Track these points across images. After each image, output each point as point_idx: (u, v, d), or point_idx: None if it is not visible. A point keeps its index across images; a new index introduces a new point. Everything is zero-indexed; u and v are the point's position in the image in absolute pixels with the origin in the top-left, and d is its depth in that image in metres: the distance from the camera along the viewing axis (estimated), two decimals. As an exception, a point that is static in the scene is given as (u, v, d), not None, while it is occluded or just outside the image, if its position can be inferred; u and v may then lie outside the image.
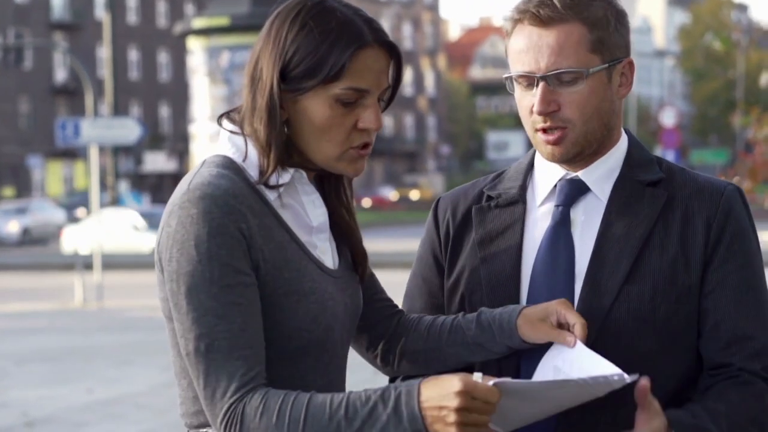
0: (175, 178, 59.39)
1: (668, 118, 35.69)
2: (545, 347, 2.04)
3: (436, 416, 1.76)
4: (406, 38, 73.93)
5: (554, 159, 2.13)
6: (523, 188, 2.21)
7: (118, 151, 39.26)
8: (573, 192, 2.16)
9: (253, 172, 1.96)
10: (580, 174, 2.16)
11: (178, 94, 59.29)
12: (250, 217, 1.90)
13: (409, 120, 76.13)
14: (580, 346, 1.97)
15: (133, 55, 62.59)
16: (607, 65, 2.09)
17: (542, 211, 2.18)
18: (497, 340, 2.07)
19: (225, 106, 19.58)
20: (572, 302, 2.07)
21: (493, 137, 70.92)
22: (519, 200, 2.20)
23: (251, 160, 1.97)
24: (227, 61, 19.59)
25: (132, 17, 62.41)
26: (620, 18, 2.12)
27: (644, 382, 1.88)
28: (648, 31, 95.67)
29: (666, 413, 1.93)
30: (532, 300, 2.11)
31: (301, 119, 1.95)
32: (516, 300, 2.13)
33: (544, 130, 2.10)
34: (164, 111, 64.29)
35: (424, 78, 77.20)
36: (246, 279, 1.88)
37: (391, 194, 57.66)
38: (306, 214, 2.00)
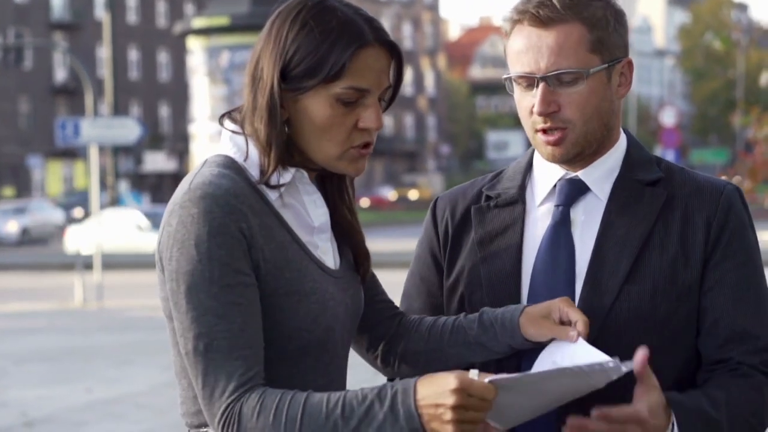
0: (175, 178, 59.42)
1: (668, 118, 35.72)
2: (546, 348, 2.04)
3: (433, 414, 1.76)
4: (406, 38, 73.95)
5: (554, 159, 2.13)
6: (522, 188, 2.21)
7: (118, 150, 39.26)
8: (573, 192, 2.16)
9: (254, 172, 1.96)
10: (580, 174, 2.16)
11: (178, 93, 59.30)
12: (250, 216, 1.90)
13: (409, 120, 76.15)
14: (581, 342, 1.97)
15: (133, 54, 62.59)
16: (606, 65, 2.09)
17: (542, 211, 2.18)
18: (499, 339, 2.07)
19: (225, 106, 19.59)
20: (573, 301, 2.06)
21: (493, 137, 70.95)
22: (518, 200, 2.20)
23: (252, 159, 1.96)
24: (227, 61, 19.60)
25: (132, 17, 62.42)
26: (619, 18, 2.12)
27: (643, 352, 1.88)
28: (648, 30, 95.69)
29: (665, 394, 1.93)
30: (533, 299, 2.11)
31: (302, 119, 1.95)
32: (516, 299, 2.13)
33: (544, 131, 2.10)
34: (164, 111, 64.30)
35: (424, 78, 77.22)
36: (246, 279, 1.88)
37: (390, 194, 57.66)
38: (307, 214, 2.00)
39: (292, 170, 1.98)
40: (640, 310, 2.05)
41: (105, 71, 34.16)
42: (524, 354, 2.07)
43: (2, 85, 55.98)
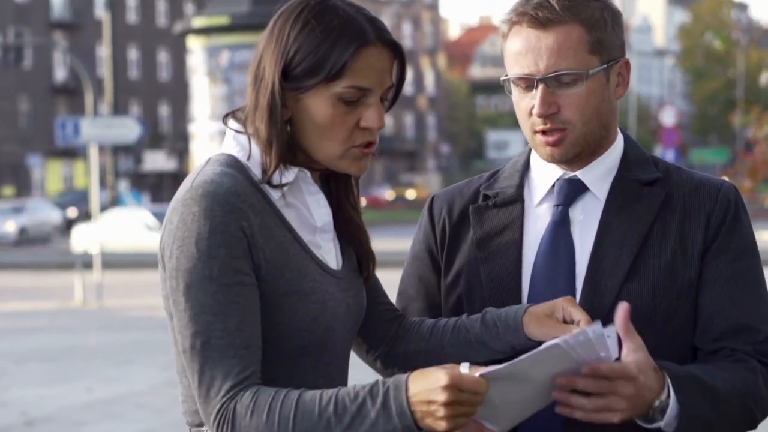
0: (175, 177, 59.42)
1: (668, 118, 35.70)
2: None
3: (426, 411, 1.76)
4: (406, 37, 73.93)
5: (553, 160, 2.14)
6: (521, 187, 2.22)
7: (118, 150, 39.25)
8: (572, 192, 2.16)
9: (257, 171, 1.96)
10: (579, 174, 2.16)
11: (178, 93, 59.30)
12: (251, 215, 1.90)
13: (408, 119, 76.16)
14: None
15: (133, 54, 62.58)
16: (605, 66, 2.10)
17: (540, 211, 2.19)
18: (502, 338, 2.07)
19: (225, 106, 19.61)
20: (574, 301, 2.07)
21: (492, 136, 70.93)
22: (517, 199, 2.20)
23: (255, 158, 1.97)
24: (227, 60, 19.60)
25: (132, 16, 62.41)
26: (616, 18, 2.13)
27: (623, 308, 1.89)
28: (648, 30, 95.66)
29: (656, 361, 1.92)
30: (533, 298, 2.12)
31: (304, 118, 1.95)
32: (517, 298, 2.13)
33: (544, 132, 2.10)
34: (164, 110, 64.29)
35: (424, 77, 77.21)
36: (245, 278, 1.88)
37: (387, 193, 57.60)
38: (310, 213, 2.00)
39: (295, 170, 1.98)
40: (640, 309, 2.05)
41: (105, 70, 34.15)
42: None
43: (2, 85, 55.98)
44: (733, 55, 64.40)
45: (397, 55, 1.98)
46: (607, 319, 2.04)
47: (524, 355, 1.82)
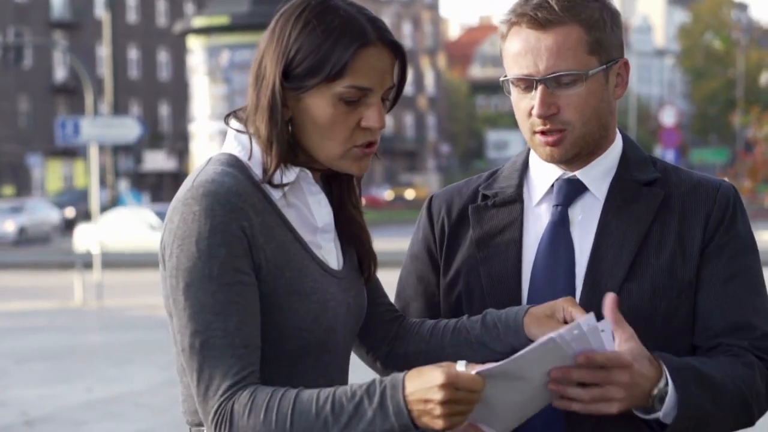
0: (175, 177, 59.43)
1: (668, 117, 35.72)
2: None
3: (422, 410, 1.76)
4: (406, 37, 73.92)
5: (552, 160, 2.14)
6: (520, 187, 2.22)
7: (118, 149, 39.26)
8: (571, 192, 2.17)
9: (258, 171, 1.96)
10: (578, 173, 2.16)
11: (178, 93, 59.30)
12: (252, 215, 1.90)
13: (408, 119, 76.16)
14: None
15: (133, 53, 62.58)
16: (604, 66, 2.10)
17: (539, 210, 2.19)
18: (502, 339, 2.07)
19: (225, 105, 19.61)
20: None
21: (492, 136, 70.96)
22: (516, 199, 2.21)
23: (256, 158, 1.97)
24: (227, 60, 19.60)
25: (132, 16, 62.41)
26: (615, 18, 2.13)
27: (611, 295, 1.89)
28: (648, 30, 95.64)
29: (651, 352, 1.92)
30: (533, 298, 2.12)
31: (305, 117, 1.95)
32: (517, 297, 2.14)
33: (543, 132, 2.10)
34: (164, 110, 64.29)
35: (424, 77, 77.21)
36: (245, 278, 1.88)
37: (386, 193, 57.58)
38: (311, 213, 2.00)
39: (296, 169, 1.98)
40: (640, 308, 2.06)
41: (105, 70, 34.16)
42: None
43: (2, 84, 55.98)
44: (733, 55, 64.42)
45: (399, 55, 1.98)
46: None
47: (520, 352, 1.82)
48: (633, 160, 2.18)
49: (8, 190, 54.27)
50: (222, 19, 20.12)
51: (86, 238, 25.91)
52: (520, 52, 2.08)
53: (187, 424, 2.00)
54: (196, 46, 20.48)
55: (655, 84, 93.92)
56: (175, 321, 1.90)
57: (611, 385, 1.85)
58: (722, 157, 48.94)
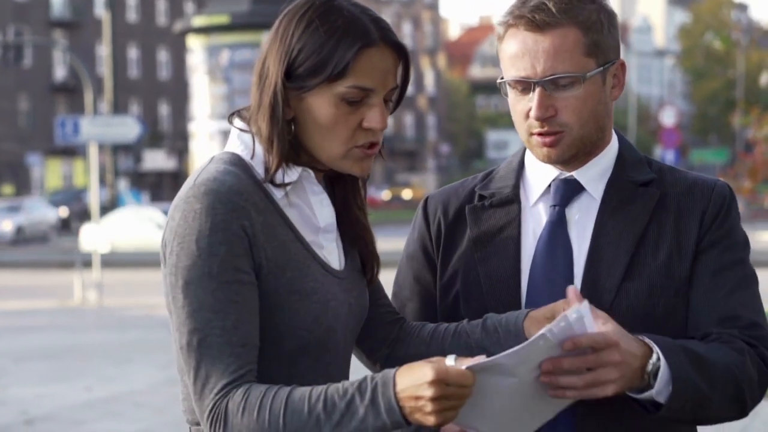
0: (175, 176, 59.43)
1: (668, 118, 35.72)
2: None
3: (414, 407, 1.76)
4: (406, 37, 73.90)
5: (549, 161, 2.15)
6: (516, 187, 2.22)
7: (118, 149, 39.25)
8: (568, 192, 2.17)
9: (260, 170, 1.96)
10: (575, 174, 2.17)
11: (178, 92, 59.30)
12: (254, 214, 1.90)
13: (408, 119, 76.16)
14: None
15: (133, 53, 62.58)
16: (601, 68, 2.10)
17: (536, 211, 2.20)
18: (502, 343, 2.06)
19: (225, 105, 19.62)
20: (573, 301, 2.07)
21: (492, 136, 70.92)
22: (513, 199, 2.21)
23: (259, 157, 1.97)
24: (227, 60, 19.60)
25: (132, 15, 62.41)
26: (611, 20, 2.13)
27: (571, 288, 1.93)
28: (648, 30, 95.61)
29: (639, 335, 1.93)
30: (532, 298, 2.13)
31: (307, 117, 1.95)
32: (516, 298, 2.14)
33: (540, 133, 2.10)
34: (164, 109, 64.29)
35: (424, 77, 77.21)
36: (244, 277, 1.88)
37: (384, 193, 57.54)
38: (313, 213, 2.00)
39: (299, 169, 1.98)
40: (638, 308, 2.07)
41: (105, 69, 34.16)
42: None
43: (2, 83, 55.97)
44: (733, 56, 64.40)
45: (402, 56, 1.98)
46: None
47: (511, 349, 1.82)
48: (629, 161, 2.19)
49: (8, 189, 54.26)
50: (222, 19, 20.13)
51: (93, 238, 25.90)
52: (518, 54, 2.08)
53: (187, 423, 2.00)
54: (196, 45, 20.49)
55: (655, 84, 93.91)
56: (174, 318, 1.90)
57: (603, 368, 1.86)
58: (722, 157, 48.94)
